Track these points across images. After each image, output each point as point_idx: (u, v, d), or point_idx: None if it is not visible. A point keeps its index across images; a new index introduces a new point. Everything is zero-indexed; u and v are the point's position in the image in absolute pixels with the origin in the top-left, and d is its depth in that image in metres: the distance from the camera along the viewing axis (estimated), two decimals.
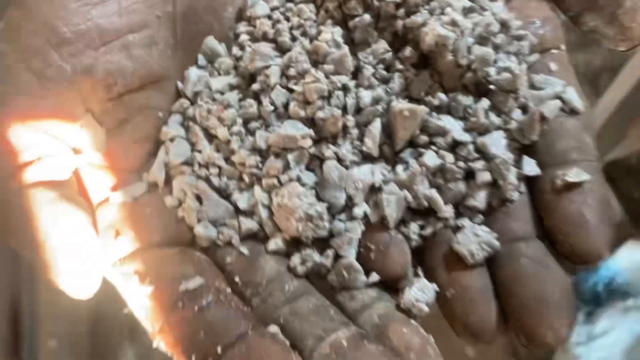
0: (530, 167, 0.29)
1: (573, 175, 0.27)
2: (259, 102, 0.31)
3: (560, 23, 0.34)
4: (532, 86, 0.31)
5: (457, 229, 0.29)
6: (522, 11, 0.33)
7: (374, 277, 0.29)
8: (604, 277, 1.23)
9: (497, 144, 0.29)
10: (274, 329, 0.27)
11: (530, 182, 0.30)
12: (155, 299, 0.28)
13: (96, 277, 0.29)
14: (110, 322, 1.40)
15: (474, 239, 0.28)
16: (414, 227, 0.30)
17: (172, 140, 0.32)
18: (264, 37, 0.33)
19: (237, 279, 0.30)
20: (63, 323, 1.35)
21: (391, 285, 0.30)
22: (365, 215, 0.30)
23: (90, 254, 0.29)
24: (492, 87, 0.30)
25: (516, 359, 1.25)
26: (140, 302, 0.28)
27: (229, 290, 0.29)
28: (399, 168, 0.29)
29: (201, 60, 0.34)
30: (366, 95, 0.30)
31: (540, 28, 0.33)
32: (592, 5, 0.32)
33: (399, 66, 0.30)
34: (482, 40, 0.29)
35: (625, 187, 1.45)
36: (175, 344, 0.27)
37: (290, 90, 0.31)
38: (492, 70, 0.29)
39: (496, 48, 0.30)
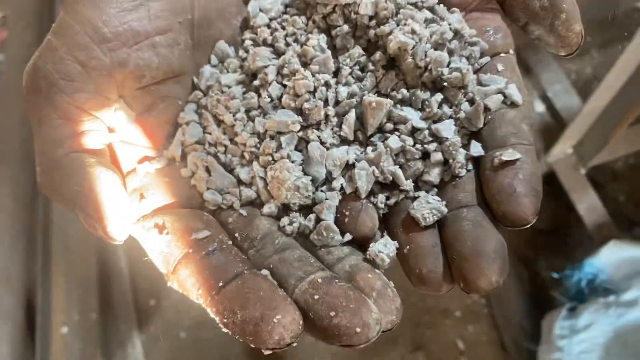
0: (476, 149, 0.34)
1: (508, 154, 0.32)
2: (259, 95, 0.37)
3: (510, 32, 0.38)
4: (480, 83, 0.35)
5: (414, 198, 0.34)
6: (478, 21, 0.38)
7: (348, 236, 0.34)
8: (588, 274, 1.25)
9: (447, 130, 0.34)
10: (265, 272, 0.32)
11: (476, 161, 0.34)
12: (170, 246, 0.33)
13: (127, 225, 0.33)
14: (119, 311, 1.45)
15: (426, 205, 0.32)
16: (381, 198, 0.34)
17: (187, 123, 0.37)
18: (264, 43, 0.38)
19: (236, 234, 0.34)
20: (74, 311, 1.40)
21: (362, 244, 0.34)
22: (342, 187, 0.35)
23: (123, 205, 0.33)
24: (445, 84, 0.35)
25: (504, 350, 1.29)
26: (158, 249, 0.33)
27: (230, 242, 0.34)
28: (369, 149, 0.35)
29: (213, 59, 0.39)
30: (344, 91, 0.35)
31: (492, 35, 0.37)
32: (534, 17, 0.35)
33: (371, 67, 0.36)
34: (437, 45, 0.35)
35: (610, 191, 1.48)
36: (185, 281, 0.31)
37: (284, 86, 0.36)
38: (445, 70, 0.34)
39: (450, 52, 0.35)
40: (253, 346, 0.29)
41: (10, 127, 1.76)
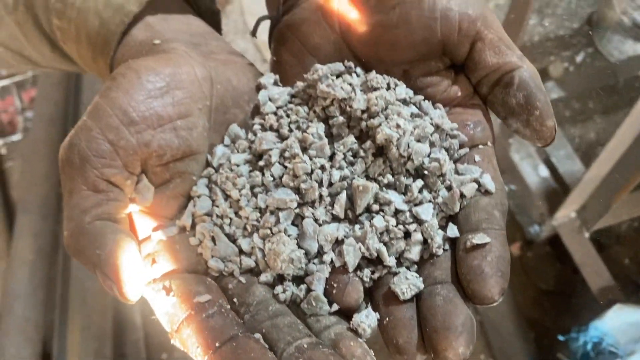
0: (452, 231, 0.37)
1: (478, 238, 0.35)
2: (263, 174, 0.41)
3: (491, 125, 0.42)
4: (457, 172, 0.39)
5: (395, 274, 0.37)
6: (460, 116, 0.42)
7: (335, 307, 0.37)
8: (593, 337, 1.26)
9: (426, 212, 0.38)
10: (258, 336, 0.35)
11: (453, 242, 0.37)
12: (175, 307, 0.36)
13: (140, 287, 0.36)
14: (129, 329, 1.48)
15: (405, 281, 0.35)
16: (366, 272, 0.38)
17: (199, 197, 0.41)
18: (270, 128, 0.43)
19: (235, 299, 0.38)
20: (89, 318, 1.44)
21: (347, 314, 0.37)
22: (332, 261, 0.38)
23: (137, 269, 0.36)
24: (425, 172, 0.39)
25: None
26: (164, 310, 0.36)
27: (228, 307, 0.37)
28: (357, 227, 0.38)
29: (226, 140, 0.43)
30: (337, 174, 0.39)
31: (472, 129, 0.41)
32: (512, 112, 0.39)
33: (362, 154, 0.40)
34: (420, 138, 0.39)
35: (614, 254, 1.50)
36: (186, 339, 0.34)
37: (285, 167, 0.40)
38: (425, 160, 0.38)
39: (431, 144, 0.39)
40: None
41: (34, 181, 1.83)
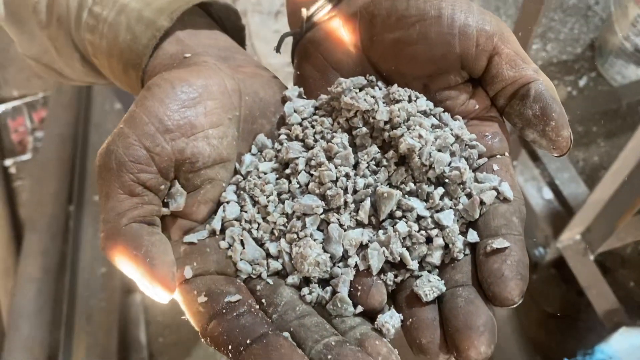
0: (472, 236, 0.39)
1: (498, 243, 0.36)
2: (289, 181, 0.43)
3: (507, 137, 0.43)
4: (476, 180, 0.41)
5: (418, 277, 0.39)
6: (478, 127, 0.43)
7: (359, 308, 0.38)
8: None
9: (448, 218, 0.39)
10: (286, 334, 0.36)
11: (473, 247, 0.39)
12: (206, 307, 0.37)
13: (174, 287, 0.37)
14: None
15: (427, 284, 0.37)
16: (390, 275, 0.39)
17: (228, 202, 0.43)
18: (296, 138, 0.45)
19: (263, 300, 0.39)
20: (95, 337, 1.45)
21: (371, 316, 0.38)
22: (356, 264, 0.39)
23: (171, 270, 0.37)
24: (446, 180, 0.40)
25: None
26: (195, 309, 0.37)
27: (257, 306, 0.38)
28: (381, 232, 0.40)
29: (254, 149, 0.45)
30: (361, 182, 0.41)
31: (489, 140, 0.42)
32: (528, 123, 0.40)
33: (385, 163, 0.41)
34: (441, 148, 0.40)
35: (620, 277, 1.50)
36: (217, 338, 0.36)
37: (311, 175, 0.42)
38: (446, 169, 0.40)
39: (452, 153, 0.41)
40: None
41: (43, 200, 1.85)
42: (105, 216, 0.38)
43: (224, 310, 0.37)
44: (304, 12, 0.47)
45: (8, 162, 2.06)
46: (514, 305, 0.36)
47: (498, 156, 0.43)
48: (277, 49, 0.51)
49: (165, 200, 0.41)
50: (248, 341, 0.35)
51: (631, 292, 1.46)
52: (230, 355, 0.35)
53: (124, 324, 1.68)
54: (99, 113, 2.04)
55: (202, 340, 0.37)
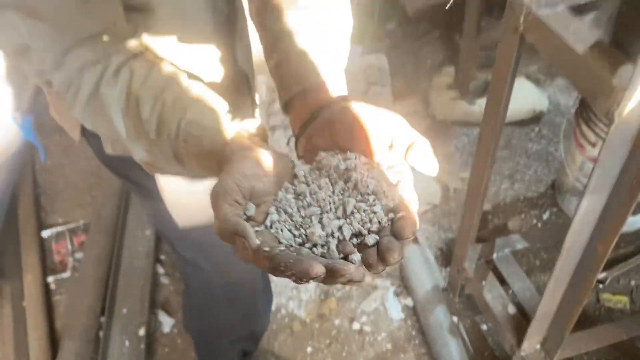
0: (390, 215, 0.63)
1: (400, 215, 0.59)
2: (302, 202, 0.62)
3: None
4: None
5: (365, 236, 0.58)
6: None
7: (341, 255, 0.56)
8: None
9: (378, 209, 0.60)
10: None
11: (392, 220, 0.59)
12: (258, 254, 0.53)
13: (255, 244, 0.54)
14: None
15: (371, 239, 0.57)
16: (354, 240, 0.58)
17: (272, 213, 0.60)
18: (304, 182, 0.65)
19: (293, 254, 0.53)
20: None
21: (347, 259, 0.55)
22: (338, 237, 0.58)
23: (253, 238, 0.54)
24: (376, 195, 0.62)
25: None
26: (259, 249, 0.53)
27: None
28: (348, 220, 0.59)
29: (282, 190, 0.63)
30: (337, 199, 0.62)
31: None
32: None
33: (346, 193, 0.63)
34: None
35: None
36: (260, 255, 0.52)
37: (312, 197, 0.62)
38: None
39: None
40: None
41: (80, 311, 2.06)
42: (217, 216, 0.57)
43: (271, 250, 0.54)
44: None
45: (50, 279, 2.26)
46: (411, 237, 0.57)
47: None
48: (289, 143, 0.79)
49: (244, 211, 0.60)
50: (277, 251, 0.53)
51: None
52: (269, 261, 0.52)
53: None
54: (131, 238, 2.28)
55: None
